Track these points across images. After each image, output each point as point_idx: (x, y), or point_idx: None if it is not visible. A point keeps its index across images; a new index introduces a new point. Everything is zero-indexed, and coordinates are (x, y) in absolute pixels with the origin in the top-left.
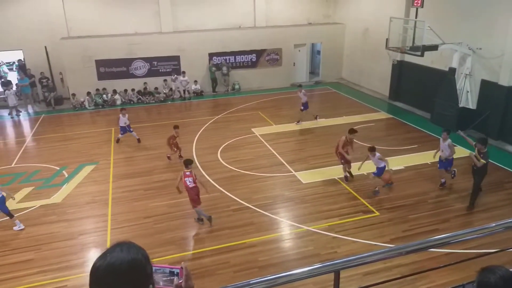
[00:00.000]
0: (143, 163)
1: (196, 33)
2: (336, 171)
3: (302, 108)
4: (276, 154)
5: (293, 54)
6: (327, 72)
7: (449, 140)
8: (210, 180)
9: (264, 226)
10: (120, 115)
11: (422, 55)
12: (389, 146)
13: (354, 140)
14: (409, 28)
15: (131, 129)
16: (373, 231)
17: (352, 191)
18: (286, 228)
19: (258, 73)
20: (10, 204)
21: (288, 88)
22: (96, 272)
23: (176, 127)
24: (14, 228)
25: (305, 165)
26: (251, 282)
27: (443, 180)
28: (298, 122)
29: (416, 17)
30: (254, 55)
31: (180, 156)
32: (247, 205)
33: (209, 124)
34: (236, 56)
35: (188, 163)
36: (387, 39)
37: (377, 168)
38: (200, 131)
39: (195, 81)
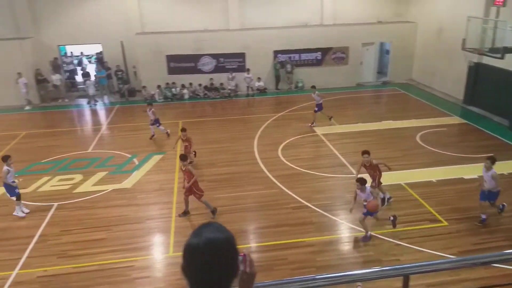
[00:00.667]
0: (207, 156)
1: (262, 31)
2: (402, 176)
3: (316, 109)
4: (338, 154)
5: (360, 53)
6: (396, 73)
7: (493, 170)
8: (270, 177)
9: (324, 226)
10: (147, 109)
11: (502, 58)
12: (462, 153)
13: (423, 144)
14: (489, 28)
15: (157, 124)
16: (440, 242)
17: (418, 198)
18: (345, 231)
19: (323, 71)
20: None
21: (354, 88)
22: (196, 249)
23: (183, 130)
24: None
25: None
26: (316, 277)
27: (483, 216)
28: (312, 124)
29: (497, 17)
30: (320, 53)
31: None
32: (307, 204)
33: (271, 121)
34: (301, 54)
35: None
36: (463, 39)
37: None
38: (262, 127)
39: (259, 78)
